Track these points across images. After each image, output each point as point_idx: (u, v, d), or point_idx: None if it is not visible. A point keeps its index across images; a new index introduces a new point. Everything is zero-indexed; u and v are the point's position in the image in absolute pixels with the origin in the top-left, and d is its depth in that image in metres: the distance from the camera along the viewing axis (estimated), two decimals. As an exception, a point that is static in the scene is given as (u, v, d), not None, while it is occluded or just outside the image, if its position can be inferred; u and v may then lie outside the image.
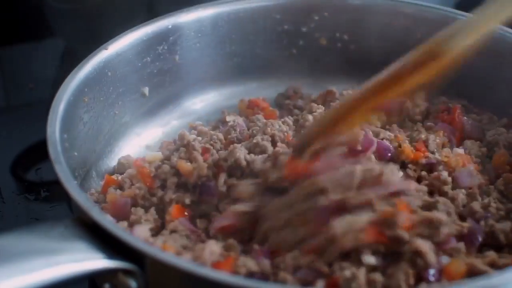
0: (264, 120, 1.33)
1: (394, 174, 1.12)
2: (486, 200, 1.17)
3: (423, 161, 1.23)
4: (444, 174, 1.20)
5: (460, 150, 1.27)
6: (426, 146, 1.27)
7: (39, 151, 1.51)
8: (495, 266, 1.06)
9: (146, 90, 1.42)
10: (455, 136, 1.33)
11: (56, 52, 1.88)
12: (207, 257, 1.04)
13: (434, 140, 1.29)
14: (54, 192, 1.46)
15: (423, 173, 1.22)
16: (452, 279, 1.03)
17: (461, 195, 1.17)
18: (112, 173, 1.31)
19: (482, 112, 1.42)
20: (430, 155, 1.25)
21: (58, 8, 1.68)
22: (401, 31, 1.49)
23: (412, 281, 1.00)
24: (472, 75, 1.42)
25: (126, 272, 0.95)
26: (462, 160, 1.24)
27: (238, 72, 1.54)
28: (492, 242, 1.12)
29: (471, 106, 1.44)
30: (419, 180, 1.22)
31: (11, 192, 1.46)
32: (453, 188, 1.20)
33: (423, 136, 1.30)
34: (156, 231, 1.15)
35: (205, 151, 1.22)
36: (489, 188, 1.21)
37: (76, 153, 1.20)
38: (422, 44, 1.09)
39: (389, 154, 1.23)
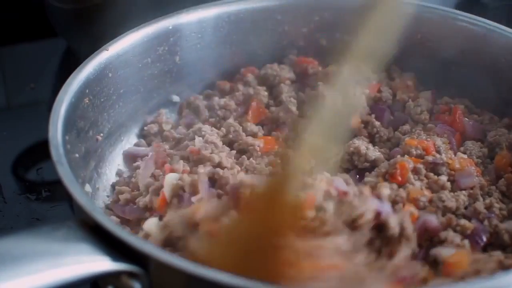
0: None
1: None
2: (488, 201, 1.18)
3: (430, 159, 1.24)
4: (443, 178, 1.21)
5: (463, 155, 1.28)
6: (435, 147, 1.29)
7: (40, 150, 1.51)
8: (501, 266, 1.07)
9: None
10: (455, 137, 1.34)
11: (57, 52, 1.88)
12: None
13: (443, 143, 1.30)
14: (55, 192, 1.46)
15: (425, 172, 1.23)
16: (454, 270, 1.05)
17: (462, 196, 1.18)
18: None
19: (483, 112, 1.42)
20: (437, 155, 1.26)
21: (58, 8, 1.68)
22: (401, 32, 1.49)
23: None
24: (473, 75, 1.43)
25: (129, 274, 0.95)
26: (464, 163, 1.24)
27: (238, 73, 1.53)
28: (496, 242, 1.13)
29: (473, 107, 1.44)
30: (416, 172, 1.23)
31: (12, 192, 1.46)
32: (454, 190, 1.21)
33: (423, 138, 1.31)
34: None
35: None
36: (491, 188, 1.22)
37: (77, 155, 1.20)
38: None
39: None
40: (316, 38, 1.54)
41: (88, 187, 1.25)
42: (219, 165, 1.24)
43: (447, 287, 1.01)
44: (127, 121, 1.39)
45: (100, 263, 0.94)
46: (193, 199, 1.16)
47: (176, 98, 1.49)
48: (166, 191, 1.19)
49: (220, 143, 1.30)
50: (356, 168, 1.29)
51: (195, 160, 1.27)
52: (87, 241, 0.96)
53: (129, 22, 1.41)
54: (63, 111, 1.17)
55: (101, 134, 1.31)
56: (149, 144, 1.40)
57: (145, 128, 1.42)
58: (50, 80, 1.79)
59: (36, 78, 1.79)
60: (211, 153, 1.26)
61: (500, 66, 1.40)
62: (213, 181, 1.21)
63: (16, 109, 1.75)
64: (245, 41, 1.51)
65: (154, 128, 1.42)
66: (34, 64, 1.86)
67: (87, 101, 1.26)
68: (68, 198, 1.05)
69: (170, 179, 1.20)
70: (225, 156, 1.26)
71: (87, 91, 1.25)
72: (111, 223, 0.97)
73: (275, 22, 1.51)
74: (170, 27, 1.41)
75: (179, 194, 1.18)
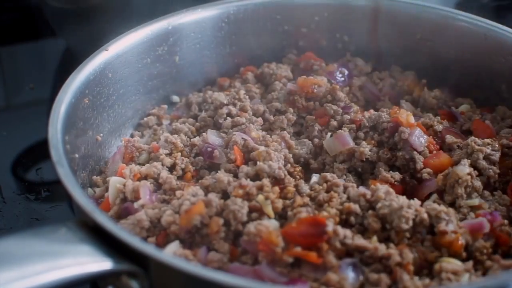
0: None
1: None
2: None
3: None
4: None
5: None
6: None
7: (39, 151, 1.52)
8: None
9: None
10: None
11: (56, 52, 1.88)
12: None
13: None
14: (55, 192, 1.46)
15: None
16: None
17: None
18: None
19: (484, 112, 1.42)
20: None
21: (58, 8, 1.68)
22: (401, 32, 1.49)
23: None
24: (473, 74, 1.43)
25: (129, 274, 0.95)
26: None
27: (238, 73, 1.53)
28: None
29: (474, 106, 1.45)
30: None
31: (11, 192, 1.47)
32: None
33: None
34: None
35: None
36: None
37: (77, 155, 1.20)
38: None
39: None
40: (316, 38, 1.54)
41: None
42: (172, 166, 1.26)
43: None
44: (126, 121, 1.40)
45: (100, 264, 0.94)
46: (136, 204, 1.15)
47: (175, 98, 1.49)
48: (110, 195, 1.19)
49: (180, 144, 1.30)
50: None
51: (152, 158, 1.28)
52: (87, 241, 0.96)
53: (128, 22, 1.41)
54: (62, 111, 1.17)
55: (101, 134, 1.31)
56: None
57: (144, 119, 1.43)
58: (49, 80, 1.79)
59: (36, 78, 1.80)
60: (167, 154, 1.27)
61: (500, 66, 1.40)
62: (158, 185, 1.21)
63: (15, 109, 1.75)
64: (245, 41, 1.52)
65: (153, 120, 1.43)
66: (34, 64, 1.86)
67: (87, 101, 1.26)
68: (67, 198, 1.04)
69: (114, 183, 1.20)
70: (179, 157, 1.27)
71: (86, 91, 1.25)
72: (111, 224, 0.97)
73: (274, 22, 1.52)
74: (170, 27, 1.42)
75: (122, 198, 1.18)
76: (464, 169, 1.19)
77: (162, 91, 1.46)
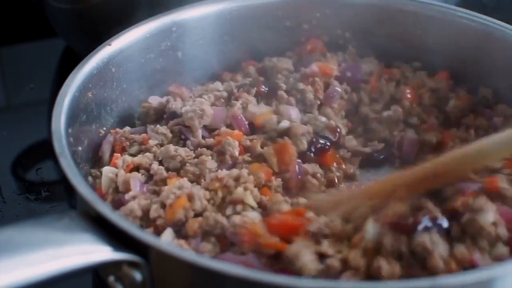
0: None
1: None
2: None
3: None
4: None
5: None
6: None
7: (39, 150, 1.52)
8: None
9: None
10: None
11: (56, 52, 1.89)
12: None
13: None
14: (55, 192, 1.45)
15: None
16: None
17: None
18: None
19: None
20: None
21: (58, 8, 1.68)
22: (402, 29, 1.50)
23: None
24: (473, 71, 1.44)
25: (131, 264, 0.94)
26: None
27: (240, 69, 1.53)
28: None
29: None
30: None
31: (11, 192, 1.46)
32: None
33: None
34: None
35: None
36: None
37: (80, 148, 1.20)
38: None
39: None
40: (317, 34, 1.55)
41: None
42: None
43: (445, 277, 0.99)
44: (129, 115, 1.39)
45: (101, 253, 0.93)
46: (126, 196, 1.15)
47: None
48: (103, 184, 1.19)
49: (170, 135, 1.30)
50: None
51: (142, 150, 1.27)
52: (89, 231, 0.95)
53: (128, 22, 1.41)
54: (66, 104, 1.17)
55: (104, 128, 1.31)
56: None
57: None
58: (49, 80, 1.79)
59: (35, 78, 1.80)
60: (155, 145, 1.27)
61: (500, 65, 1.40)
62: (150, 176, 1.21)
63: (15, 109, 1.75)
64: (247, 37, 1.52)
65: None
66: (33, 64, 1.86)
67: (90, 95, 1.26)
68: (68, 194, 1.04)
69: (106, 172, 1.20)
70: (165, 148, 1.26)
71: (90, 85, 1.25)
72: (112, 214, 0.96)
73: (276, 19, 1.52)
74: (173, 23, 1.42)
75: (114, 188, 1.18)
76: (487, 216, 1.00)
77: (165, 86, 1.45)
